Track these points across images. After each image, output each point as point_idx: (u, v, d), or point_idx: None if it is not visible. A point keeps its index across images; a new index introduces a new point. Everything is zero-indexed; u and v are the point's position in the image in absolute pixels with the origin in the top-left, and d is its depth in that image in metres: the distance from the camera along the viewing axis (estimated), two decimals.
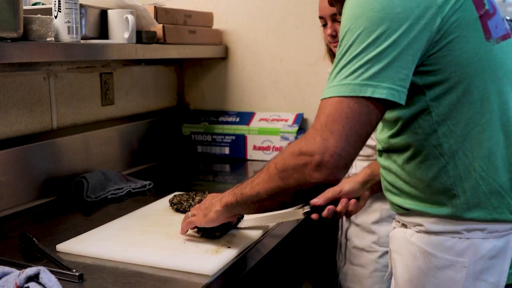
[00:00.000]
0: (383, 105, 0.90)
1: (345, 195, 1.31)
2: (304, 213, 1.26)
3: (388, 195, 1.12)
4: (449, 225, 1.01)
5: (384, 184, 1.12)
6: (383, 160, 1.10)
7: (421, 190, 1.02)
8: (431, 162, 1.00)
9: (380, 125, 1.11)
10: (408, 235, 1.07)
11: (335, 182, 0.91)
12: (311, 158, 0.90)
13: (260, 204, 1.04)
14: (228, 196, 1.12)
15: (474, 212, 0.99)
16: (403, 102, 0.90)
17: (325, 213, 1.27)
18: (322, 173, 0.90)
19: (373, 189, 1.36)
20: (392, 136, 1.04)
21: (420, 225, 1.04)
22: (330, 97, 0.91)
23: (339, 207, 1.29)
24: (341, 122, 0.89)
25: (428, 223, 1.03)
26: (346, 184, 1.32)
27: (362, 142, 0.91)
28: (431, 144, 0.99)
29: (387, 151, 1.08)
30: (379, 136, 1.10)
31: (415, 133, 1.00)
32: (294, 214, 1.28)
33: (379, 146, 1.11)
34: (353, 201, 1.31)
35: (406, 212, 1.07)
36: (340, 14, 1.08)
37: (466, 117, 0.97)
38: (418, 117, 0.98)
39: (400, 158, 1.04)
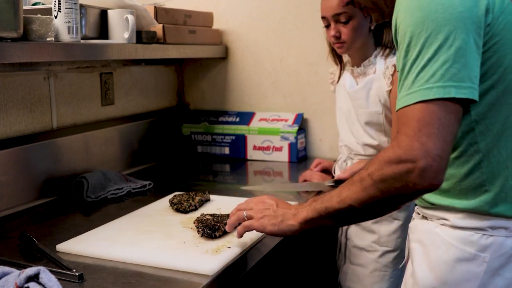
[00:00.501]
0: (464, 103, 0.93)
1: None
2: (328, 186, 1.27)
3: None
4: (475, 220, 1.03)
5: None
6: None
7: (451, 185, 1.05)
8: (465, 159, 1.02)
9: None
10: (432, 226, 1.10)
11: (438, 186, 0.92)
12: (413, 164, 0.90)
13: (348, 216, 1.04)
14: (307, 211, 1.08)
15: (500, 206, 1.02)
16: (478, 99, 0.93)
17: None
18: (427, 178, 0.90)
19: None
20: None
21: (445, 219, 1.07)
22: (415, 103, 0.92)
23: None
24: (434, 125, 0.90)
25: (455, 218, 1.05)
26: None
27: (454, 141, 0.93)
28: (467, 142, 1.01)
29: None
30: None
31: None
32: (318, 185, 1.27)
33: None
34: None
35: (432, 206, 1.09)
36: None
37: (503, 116, 1.00)
38: None
39: None
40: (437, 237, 1.08)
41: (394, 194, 0.95)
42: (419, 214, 1.16)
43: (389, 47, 1.64)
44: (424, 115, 0.91)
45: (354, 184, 1.00)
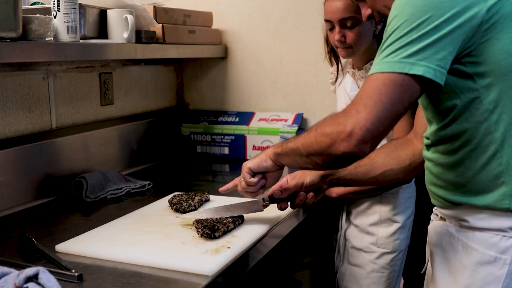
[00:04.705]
0: (420, 83, 0.95)
1: (306, 188, 1.38)
2: (263, 205, 1.36)
3: (432, 188, 1.14)
4: (495, 220, 1.03)
5: (429, 177, 1.15)
6: (430, 154, 1.12)
7: (468, 180, 1.04)
8: (481, 150, 1.02)
9: (428, 123, 1.14)
10: (450, 229, 1.10)
11: (360, 154, 0.99)
12: (343, 127, 0.98)
13: (299, 158, 1.14)
14: (277, 147, 1.23)
15: None
16: (441, 81, 0.95)
17: (278, 206, 1.35)
18: (350, 144, 0.98)
19: (331, 182, 1.43)
20: (442, 128, 1.06)
21: (464, 220, 1.07)
22: (372, 74, 0.97)
23: (297, 200, 1.36)
24: (373, 98, 0.95)
25: (474, 219, 1.05)
26: (307, 177, 1.39)
27: (391, 120, 0.97)
28: (482, 132, 1.01)
29: (435, 144, 1.10)
30: (427, 132, 1.13)
31: (466, 122, 1.02)
32: (254, 203, 1.36)
33: (427, 142, 1.13)
34: (310, 194, 1.38)
35: (450, 206, 1.09)
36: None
37: None
38: (470, 105, 1.01)
39: (449, 148, 1.06)
40: (456, 240, 1.07)
41: (324, 151, 1.04)
42: (437, 215, 1.15)
43: None
44: (369, 87, 0.97)
45: (307, 132, 1.11)
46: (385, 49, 0.97)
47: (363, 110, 0.96)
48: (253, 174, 1.28)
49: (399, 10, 0.97)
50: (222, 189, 1.38)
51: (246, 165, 1.28)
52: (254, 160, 1.27)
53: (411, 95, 0.96)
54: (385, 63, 0.96)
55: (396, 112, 0.96)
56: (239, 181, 1.32)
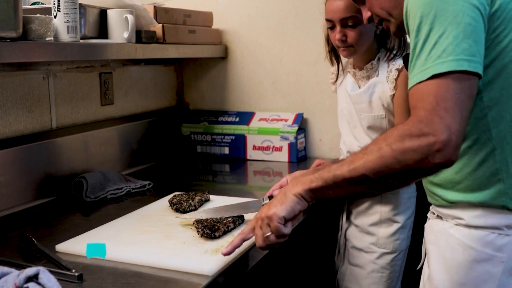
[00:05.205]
0: (475, 77, 0.93)
1: None
2: (263, 205, 1.29)
3: (429, 186, 1.14)
4: (491, 218, 1.03)
5: None
6: None
7: (465, 176, 1.04)
8: (479, 147, 1.02)
9: None
10: (447, 227, 1.10)
11: (454, 162, 0.91)
12: (435, 138, 0.89)
13: (358, 187, 0.99)
14: (311, 182, 1.04)
15: None
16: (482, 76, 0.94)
17: None
18: (447, 152, 0.89)
19: None
20: None
21: (461, 218, 1.07)
22: (428, 79, 0.92)
23: None
24: (451, 99, 0.90)
25: (470, 217, 1.05)
26: None
27: (469, 116, 0.93)
28: (480, 129, 1.01)
29: None
30: None
31: None
32: (253, 204, 1.33)
33: None
34: None
35: (447, 204, 1.09)
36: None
37: None
38: None
39: None
40: (453, 238, 1.08)
41: (411, 167, 0.92)
42: (434, 213, 1.16)
43: (394, 52, 1.61)
44: (440, 90, 0.91)
45: (369, 153, 0.96)
46: (431, 49, 0.93)
47: (446, 114, 0.89)
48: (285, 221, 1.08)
49: (423, 8, 0.94)
50: (226, 250, 1.11)
51: (277, 215, 1.06)
52: (284, 207, 1.06)
53: (476, 88, 0.94)
54: (442, 63, 0.91)
55: (471, 107, 0.93)
56: (262, 236, 1.08)
